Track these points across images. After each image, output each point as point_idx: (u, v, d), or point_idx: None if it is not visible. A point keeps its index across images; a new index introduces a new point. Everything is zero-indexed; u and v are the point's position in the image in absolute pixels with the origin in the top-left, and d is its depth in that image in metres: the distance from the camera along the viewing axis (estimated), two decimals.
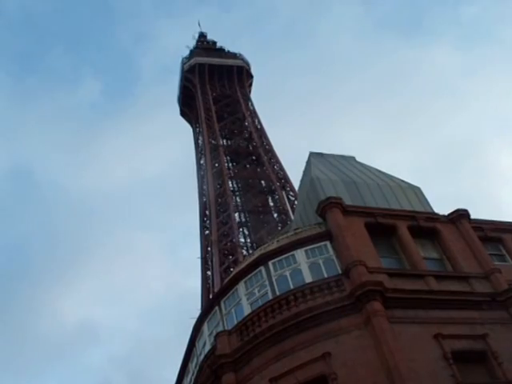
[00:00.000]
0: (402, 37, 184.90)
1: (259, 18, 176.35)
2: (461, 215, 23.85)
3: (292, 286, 20.35)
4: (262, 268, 21.41)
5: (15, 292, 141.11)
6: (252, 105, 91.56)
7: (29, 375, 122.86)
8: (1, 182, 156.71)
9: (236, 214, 74.77)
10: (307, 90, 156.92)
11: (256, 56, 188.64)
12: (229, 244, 68.78)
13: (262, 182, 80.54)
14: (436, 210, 24.71)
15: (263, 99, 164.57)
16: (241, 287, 21.61)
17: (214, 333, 21.27)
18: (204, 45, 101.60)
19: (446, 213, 24.19)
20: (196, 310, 50.24)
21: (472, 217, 24.10)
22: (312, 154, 28.13)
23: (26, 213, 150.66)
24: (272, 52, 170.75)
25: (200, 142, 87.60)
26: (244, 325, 20.24)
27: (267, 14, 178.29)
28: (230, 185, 78.40)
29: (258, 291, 21.03)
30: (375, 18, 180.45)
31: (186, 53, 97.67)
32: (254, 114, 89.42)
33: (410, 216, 23.33)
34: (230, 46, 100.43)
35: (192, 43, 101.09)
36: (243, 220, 76.55)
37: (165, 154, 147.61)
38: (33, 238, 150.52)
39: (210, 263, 69.15)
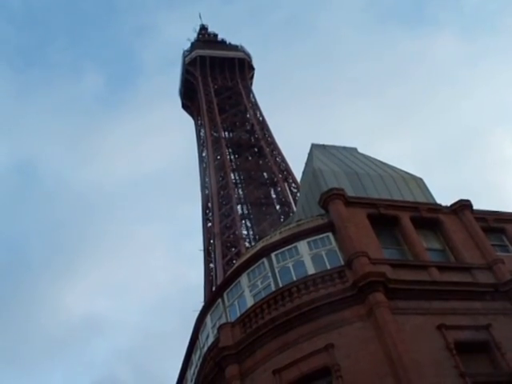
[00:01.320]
0: (403, 27, 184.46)
1: (260, 10, 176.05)
2: (463, 206, 23.80)
3: (295, 278, 20.33)
4: (265, 260, 21.41)
5: (18, 285, 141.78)
6: (254, 97, 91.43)
7: (33, 369, 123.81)
8: (4, 175, 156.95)
9: (238, 207, 74.82)
10: (309, 81, 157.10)
11: (257, 48, 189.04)
12: (231, 236, 68.79)
13: (265, 174, 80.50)
14: (438, 201, 24.71)
15: (265, 91, 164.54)
16: (244, 279, 21.61)
17: (217, 325, 21.28)
18: (205, 37, 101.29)
19: (449, 203, 24.16)
20: (199, 302, 50.55)
21: (475, 207, 24.05)
22: (314, 146, 28.10)
23: (28, 206, 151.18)
24: (274, 44, 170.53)
25: (202, 134, 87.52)
26: (247, 317, 20.24)
27: (268, 5, 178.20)
28: (232, 177, 78.42)
29: (261, 283, 21.02)
30: (377, 9, 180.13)
31: (188, 45, 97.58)
32: (255, 106, 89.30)
33: (412, 207, 23.30)
34: (231, 39, 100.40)
35: (193, 36, 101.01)
36: (245, 212, 76.58)
37: (167, 146, 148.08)
38: (36, 231, 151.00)
39: (212, 255, 69.16)
